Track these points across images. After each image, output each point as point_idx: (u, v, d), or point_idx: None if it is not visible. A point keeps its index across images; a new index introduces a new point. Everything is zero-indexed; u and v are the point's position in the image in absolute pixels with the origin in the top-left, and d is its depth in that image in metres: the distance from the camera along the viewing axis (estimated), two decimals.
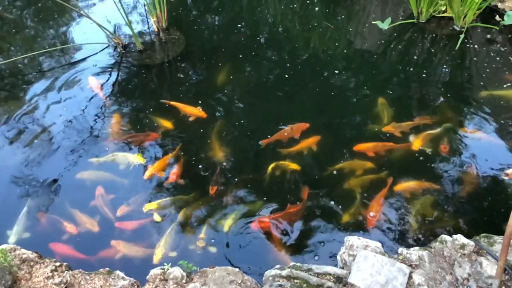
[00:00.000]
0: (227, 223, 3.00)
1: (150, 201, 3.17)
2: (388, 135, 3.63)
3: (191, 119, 3.78)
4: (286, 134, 3.62)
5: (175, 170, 3.34)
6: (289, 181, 3.32)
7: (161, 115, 3.82)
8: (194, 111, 3.83)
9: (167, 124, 3.74)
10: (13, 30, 4.96)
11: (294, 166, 3.36)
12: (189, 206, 3.15)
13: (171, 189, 3.27)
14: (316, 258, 2.83)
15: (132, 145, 3.59)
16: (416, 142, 3.53)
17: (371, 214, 3.06)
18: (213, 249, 2.89)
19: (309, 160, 3.47)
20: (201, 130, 3.70)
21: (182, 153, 3.50)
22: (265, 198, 3.18)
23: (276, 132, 3.62)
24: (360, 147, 3.50)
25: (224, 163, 3.42)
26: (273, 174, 3.36)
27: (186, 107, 3.86)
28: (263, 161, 3.45)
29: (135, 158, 3.43)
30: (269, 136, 3.61)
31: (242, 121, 3.80)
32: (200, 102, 3.94)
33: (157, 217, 3.06)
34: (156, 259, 2.80)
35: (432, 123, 3.73)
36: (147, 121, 3.80)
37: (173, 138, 3.65)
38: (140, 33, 4.85)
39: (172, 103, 3.90)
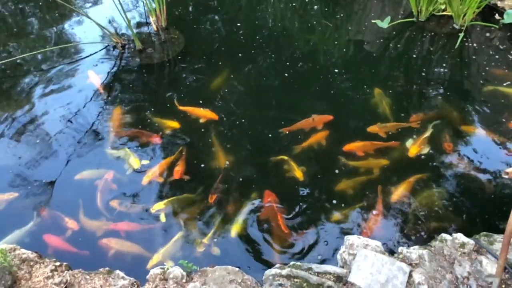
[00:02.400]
0: (233, 228, 2.98)
1: (151, 201, 3.16)
2: (390, 133, 3.63)
3: (201, 120, 3.77)
4: (307, 124, 3.62)
5: (178, 167, 3.34)
6: (293, 183, 3.30)
7: (161, 115, 3.82)
8: (205, 114, 3.81)
9: (169, 124, 3.73)
10: (14, 30, 4.96)
11: (298, 174, 3.31)
12: (192, 207, 3.13)
13: (174, 189, 3.26)
14: (317, 257, 2.83)
15: (133, 144, 3.59)
16: (413, 149, 3.47)
17: (374, 212, 3.06)
18: (213, 249, 2.89)
19: (310, 159, 3.47)
20: (202, 130, 3.70)
21: (184, 153, 3.48)
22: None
23: (280, 129, 3.65)
24: (349, 147, 3.48)
25: (227, 162, 3.41)
26: (277, 173, 3.36)
27: (195, 110, 3.84)
28: (265, 160, 3.45)
29: (134, 162, 3.41)
30: (270, 134, 3.62)
31: (243, 120, 3.80)
32: (200, 101, 3.94)
33: (163, 218, 3.05)
34: (150, 264, 2.79)
35: (420, 125, 3.68)
36: (148, 121, 3.80)
37: (174, 138, 3.64)
38: (140, 33, 4.85)
39: (182, 108, 3.88)
